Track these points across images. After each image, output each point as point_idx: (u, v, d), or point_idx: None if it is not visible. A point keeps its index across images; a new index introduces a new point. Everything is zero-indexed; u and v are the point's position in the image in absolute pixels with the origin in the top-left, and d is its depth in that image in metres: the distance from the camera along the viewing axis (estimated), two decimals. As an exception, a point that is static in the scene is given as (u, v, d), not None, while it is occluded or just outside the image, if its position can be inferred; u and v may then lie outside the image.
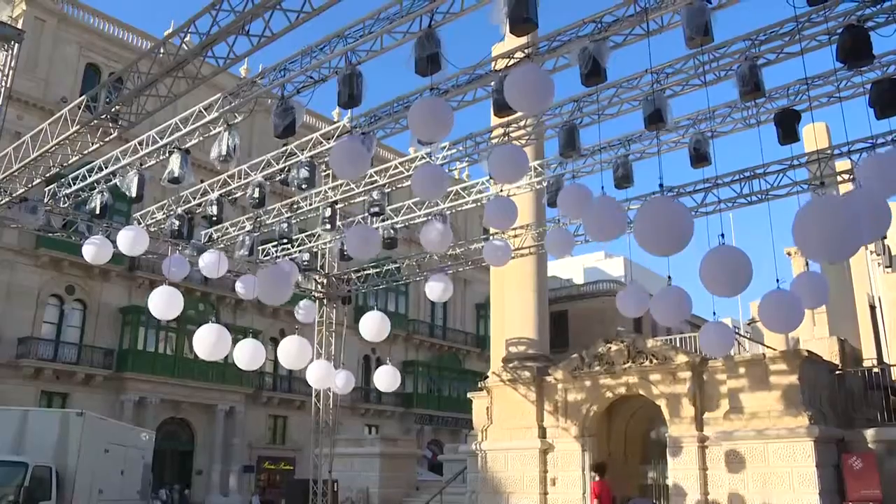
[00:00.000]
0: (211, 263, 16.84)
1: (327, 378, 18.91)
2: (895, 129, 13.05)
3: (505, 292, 23.16)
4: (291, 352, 17.26)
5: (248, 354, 16.10)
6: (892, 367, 19.98)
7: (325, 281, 21.53)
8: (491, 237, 18.28)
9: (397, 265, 21.30)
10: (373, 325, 18.34)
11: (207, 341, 14.71)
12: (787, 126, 12.00)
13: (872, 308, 27.84)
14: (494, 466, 20.25)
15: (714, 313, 14.38)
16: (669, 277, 12.28)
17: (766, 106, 12.44)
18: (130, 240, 15.38)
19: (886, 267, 27.06)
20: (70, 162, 14.02)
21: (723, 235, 10.47)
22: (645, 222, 9.47)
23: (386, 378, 18.97)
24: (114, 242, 16.12)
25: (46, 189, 16.47)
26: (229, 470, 38.69)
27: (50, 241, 30.05)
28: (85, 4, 37.38)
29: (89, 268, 33.02)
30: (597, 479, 16.76)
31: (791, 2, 9.09)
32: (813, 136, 23.09)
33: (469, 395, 23.65)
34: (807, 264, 15.75)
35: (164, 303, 14.79)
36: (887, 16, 10.05)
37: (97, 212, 15.32)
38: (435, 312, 51.97)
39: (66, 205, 16.35)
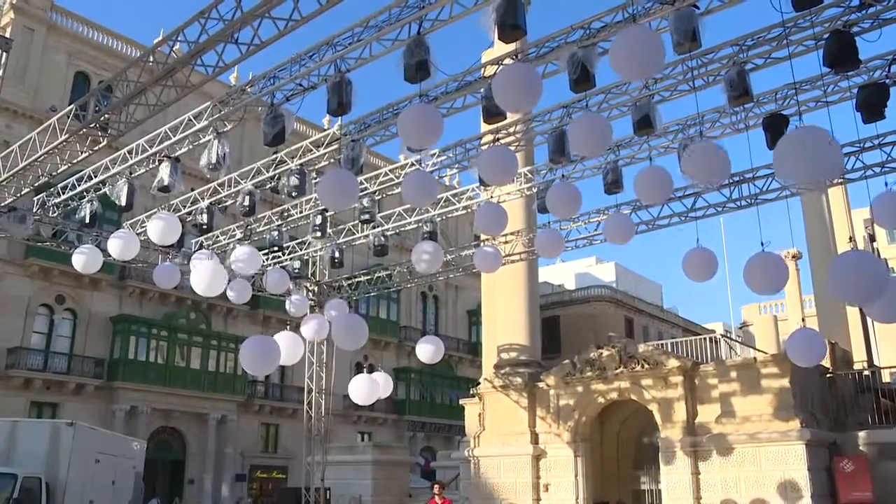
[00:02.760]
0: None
1: (373, 393, 17.46)
2: (882, 134, 13.17)
3: (496, 299, 23.21)
4: (286, 348, 15.52)
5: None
6: (882, 370, 20.10)
7: (315, 289, 21.50)
8: (482, 243, 18.30)
9: (388, 272, 21.32)
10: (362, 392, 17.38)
11: (205, 275, 14.47)
12: (776, 131, 12.03)
13: (862, 310, 27.94)
14: (487, 473, 20.24)
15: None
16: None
17: (755, 111, 12.50)
18: (121, 246, 15.23)
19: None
20: (59, 171, 13.99)
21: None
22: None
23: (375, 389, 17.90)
24: (104, 251, 16.03)
25: (35, 198, 16.41)
26: (221, 479, 38.49)
27: (39, 251, 29.89)
28: (74, 13, 37.27)
29: (79, 277, 32.87)
30: (438, 497, 15.31)
31: (778, 7, 9.14)
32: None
33: (461, 401, 23.66)
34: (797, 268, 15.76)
35: (161, 229, 14.46)
36: (872, 21, 10.13)
37: (87, 221, 15.25)
38: (427, 319, 51.99)
39: (55, 214, 16.29)
